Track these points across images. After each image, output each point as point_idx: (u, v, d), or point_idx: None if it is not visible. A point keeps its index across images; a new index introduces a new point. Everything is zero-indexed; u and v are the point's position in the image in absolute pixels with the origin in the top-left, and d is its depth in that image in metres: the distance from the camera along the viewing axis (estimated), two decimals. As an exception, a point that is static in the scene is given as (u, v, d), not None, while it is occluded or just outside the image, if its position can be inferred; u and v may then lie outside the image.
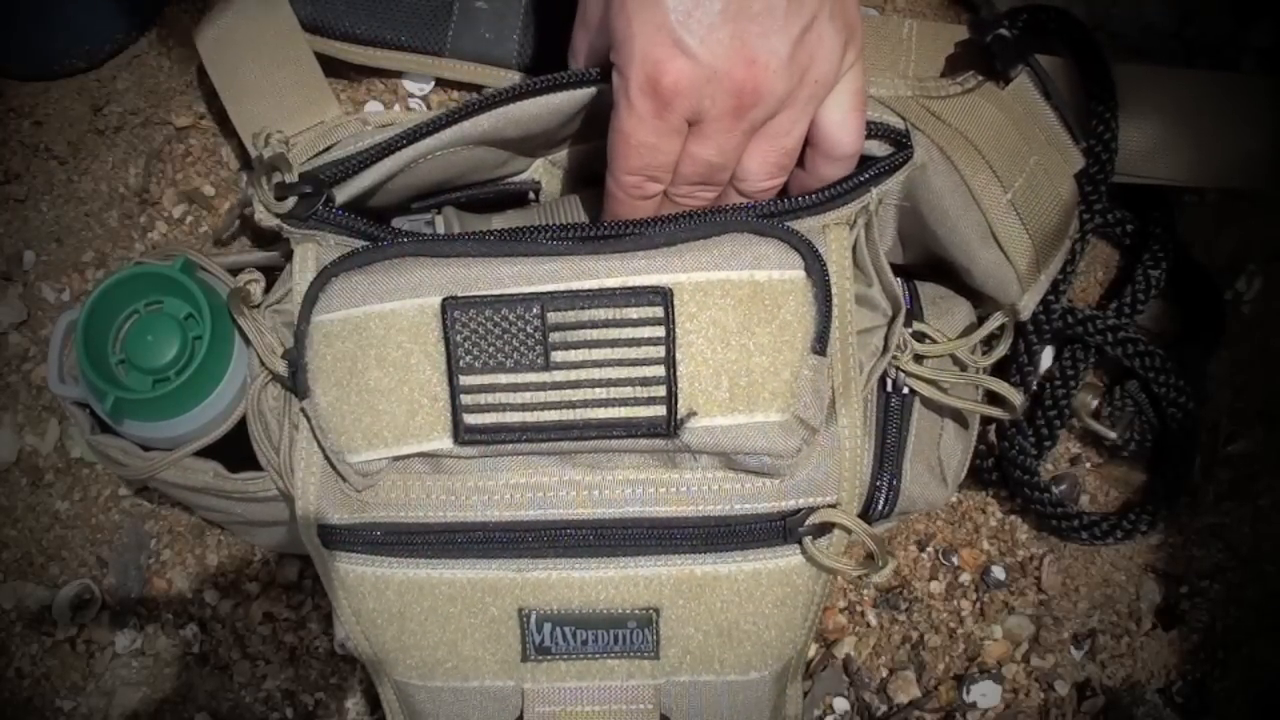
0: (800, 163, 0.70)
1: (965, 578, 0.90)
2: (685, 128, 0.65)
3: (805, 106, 0.66)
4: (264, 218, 0.69)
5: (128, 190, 0.94)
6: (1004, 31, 0.76)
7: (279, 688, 0.91)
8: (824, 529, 0.68)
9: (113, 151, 0.94)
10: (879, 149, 0.72)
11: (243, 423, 0.71)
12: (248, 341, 0.69)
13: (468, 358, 0.65)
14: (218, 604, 0.92)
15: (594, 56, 0.70)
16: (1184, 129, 0.81)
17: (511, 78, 0.87)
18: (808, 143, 0.69)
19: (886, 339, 0.71)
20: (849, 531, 0.69)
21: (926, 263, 0.78)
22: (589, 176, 0.75)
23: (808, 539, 0.68)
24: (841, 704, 0.90)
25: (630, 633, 0.70)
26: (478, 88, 0.89)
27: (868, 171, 0.70)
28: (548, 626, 0.70)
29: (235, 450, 0.72)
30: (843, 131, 0.68)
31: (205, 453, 0.72)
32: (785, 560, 0.69)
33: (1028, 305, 0.76)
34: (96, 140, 0.94)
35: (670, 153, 0.66)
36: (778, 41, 0.62)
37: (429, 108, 0.92)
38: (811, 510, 0.68)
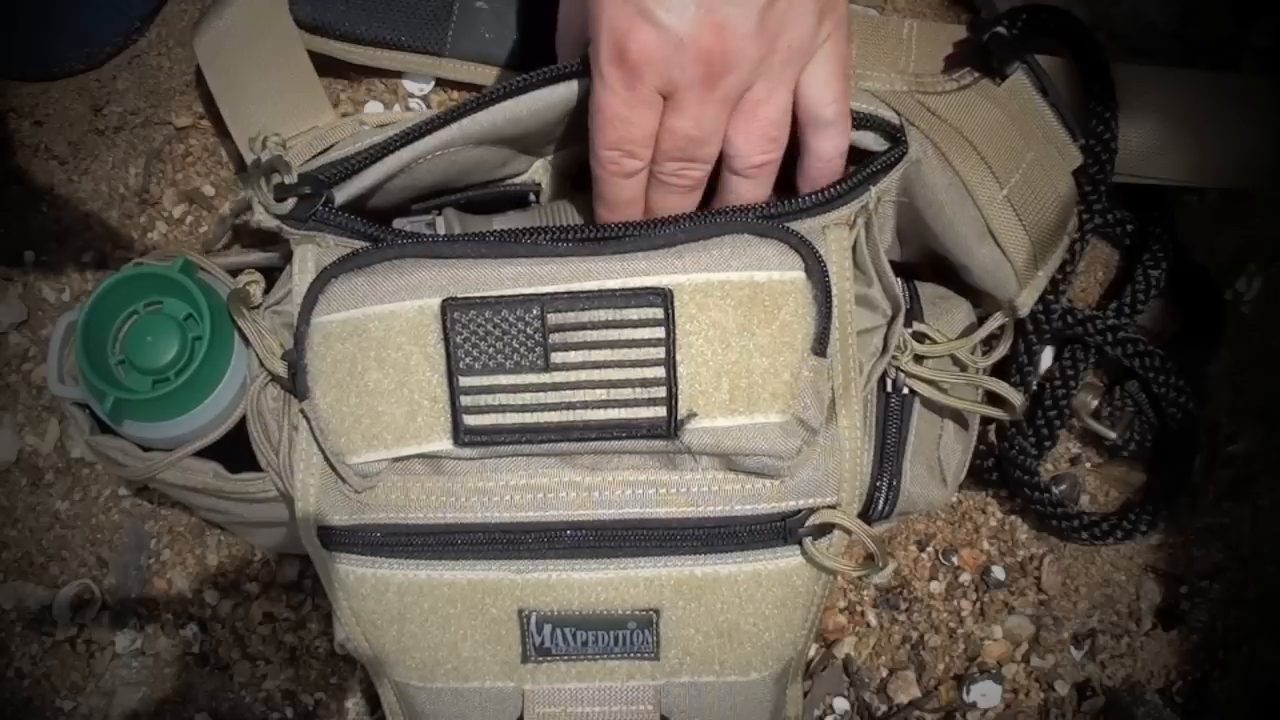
0: (795, 144, 0.70)
1: (965, 578, 0.90)
2: (659, 100, 0.65)
3: (781, 74, 0.66)
4: (263, 219, 0.69)
5: (128, 190, 0.94)
6: (1001, 29, 0.76)
7: (279, 688, 0.91)
8: (824, 530, 0.68)
9: (113, 151, 0.94)
10: (875, 144, 0.72)
11: (242, 423, 0.71)
12: (247, 343, 0.69)
13: (467, 359, 0.65)
14: (218, 604, 0.92)
15: (572, 43, 0.70)
16: (1184, 129, 0.81)
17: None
18: (797, 119, 0.69)
19: (886, 339, 0.71)
20: (849, 532, 0.68)
21: (925, 260, 0.78)
22: (590, 178, 0.75)
23: (808, 540, 0.68)
24: (841, 704, 0.90)
25: (630, 634, 0.70)
26: (478, 88, 0.89)
27: (866, 169, 0.69)
28: (548, 627, 0.70)
29: (235, 451, 0.71)
30: (824, 95, 0.68)
31: (205, 453, 0.72)
32: (785, 561, 0.69)
33: (1026, 302, 0.76)
34: (96, 140, 0.94)
35: (644, 125, 0.66)
36: (746, 7, 0.62)
37: (429, 108, 0.92)
38: (811, 511, 0.68)
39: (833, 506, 0.68)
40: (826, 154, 0.70)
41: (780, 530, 0.68)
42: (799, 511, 0.68)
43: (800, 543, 0.68)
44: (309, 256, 0.69)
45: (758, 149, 0.68)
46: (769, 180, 0.70)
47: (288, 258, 0.71)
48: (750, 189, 0.69)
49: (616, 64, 0.63)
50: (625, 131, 0.66)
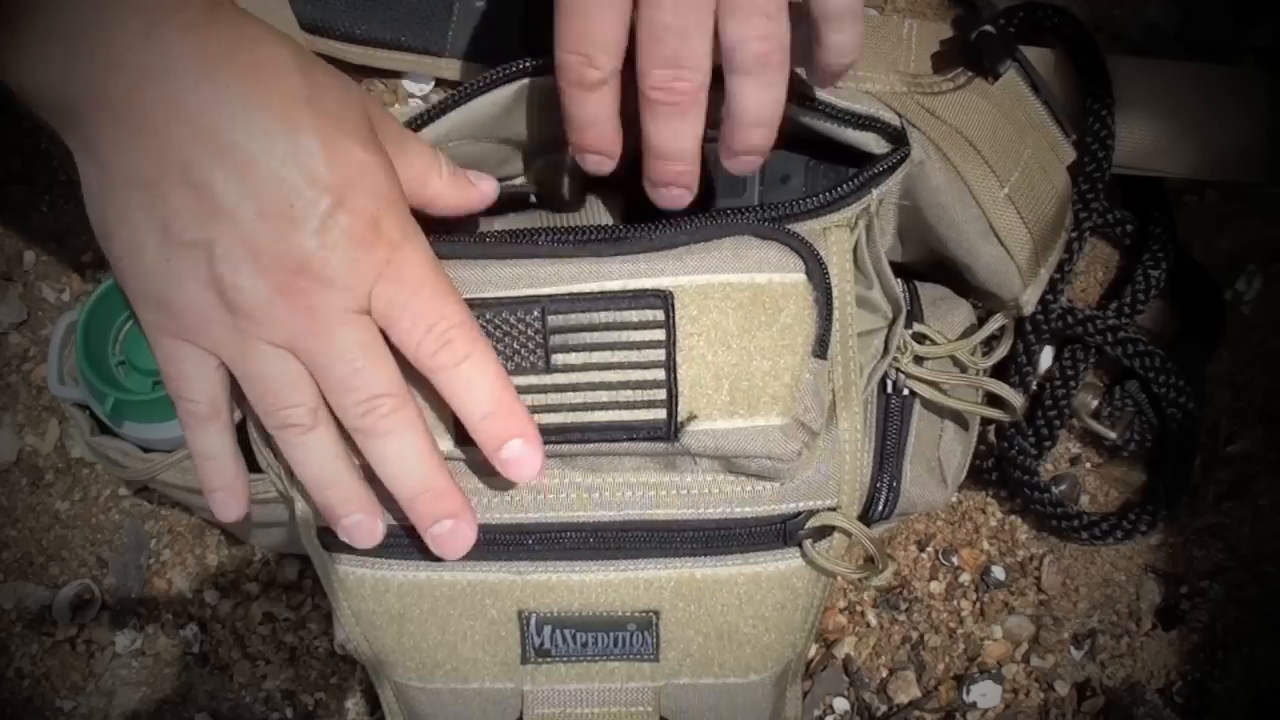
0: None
1: (965, 578, 0.90)
2: (625, 2, 0.60)
3: None
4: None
5: (127, 190, 0.94)
6: (989, 28, 0.76)
7: (279, 688, 0.91)
8: (824, 532, 0.68)
9: (112, 151, 0.94)
10: (877, 146, 0.72)
11: (243, 424, 0.71)
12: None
13: None
14: (218, 604, 0.92)
15: None
16: (1181, 122, 0.82)
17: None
18: (807, 18, 0.63)
19: (887, 341, 0.71)
20: (849, 535, 0.68)
21: (926, 260, 0.78)
22: (591, 180, 0.75)
23: (808, 542, 0.68)
24: (841, 704, 0.90)
25: (630, 635, 0.70)
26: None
27: (868, 172, 0.69)
28: (548, 629, 0.70)
29: (235, 452, 0.71)
30: None
31: (205, 454, 0.72)
32: (785, 563, 0.69)
33: (1030, 300, 0.76)
34: (96, 140, 0.94)
35: (606, 23, 0.60)
36: None
37: (428, 108, 0.92)
38: (811, 513, 0.68)
39: (833, 509, 0.68)
40: (843, 47, 0.63)
41: (780, 532, 0.68)
42: (799, 514, 0.68)
43: (800, 545, 0.68)
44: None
45: (755, 31, 0.60)
46: (779, 77, 0.62)
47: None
48: (758, 90, 0.62)
49: None
50: (583, 27, 0.61)
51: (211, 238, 0.58)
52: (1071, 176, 0.78)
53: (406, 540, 0.68)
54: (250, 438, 0.70)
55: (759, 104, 0.62)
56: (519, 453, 0.63)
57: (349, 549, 0.69)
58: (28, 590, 0.92)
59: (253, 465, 0.71)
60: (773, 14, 0.60)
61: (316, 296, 0.59)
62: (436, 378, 0.62)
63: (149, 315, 0.62)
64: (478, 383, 0.62)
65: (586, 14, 0.60)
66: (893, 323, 0.72)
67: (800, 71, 0.67)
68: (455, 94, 0.71)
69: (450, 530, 0.65)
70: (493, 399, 0.62)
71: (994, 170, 0.72)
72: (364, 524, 0.65)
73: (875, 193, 0.69)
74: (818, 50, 0.64)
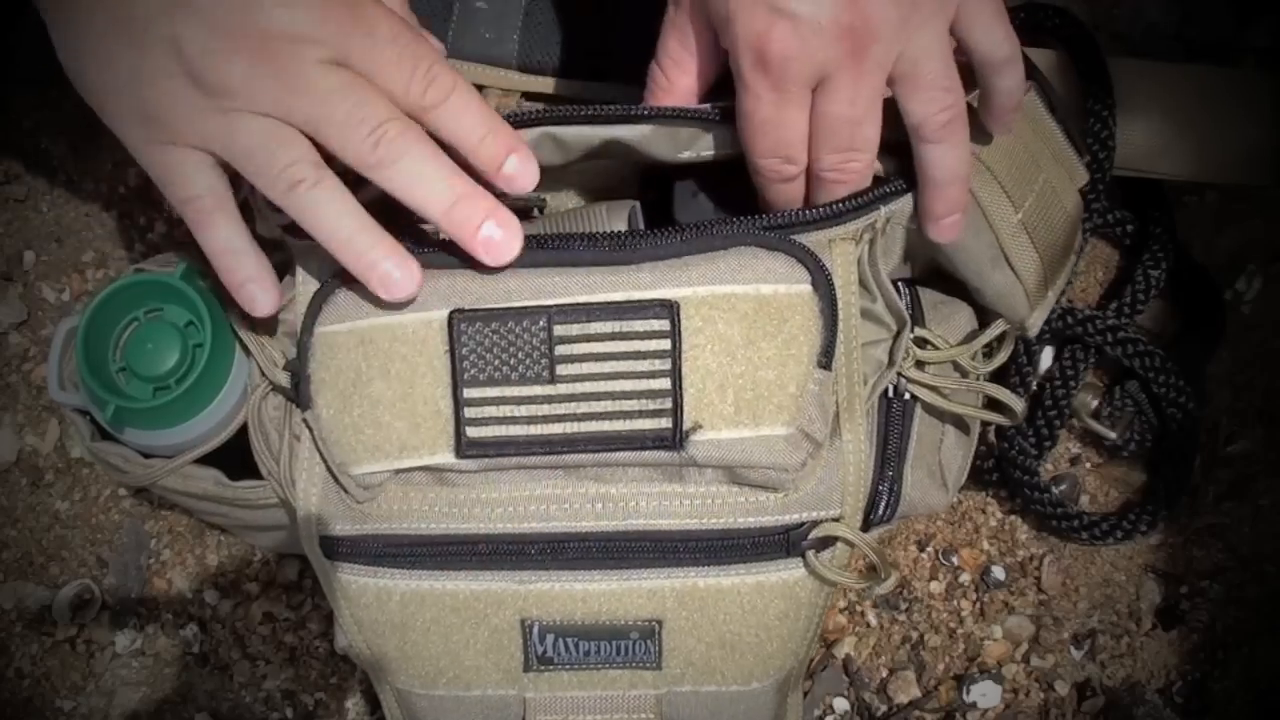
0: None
1: (965, 578, 0.90)
2: (809, 98, 0.63)
3: (931, 25, 0.62)
4: (264, 229, 0.69)
5: (128, 190, 0.94)
6: None
7: (279, 688, 0.91)
8: (827, 542, 0.68)
9: (113, 151, 0.94)
10: (893, 166, 0.71)
11: (244, 429, 0.71)
12: (248, 352, 0.69)
13: (473, 370, 0.64)
14: (218, 604, 0.92)
15: (700, 49, 0.69)
16: (1184, 124, 0.81)
17: (511, 77, 0.87)
18: (971, 65, 0.66)
19: (892, 353, 0.71)
20: (852, 545, 0.68)
21: (934, 276, 0.77)
22: (595, 191, 0.75)
23: (811, 552, 0.68)
24: (841, 704, 0.90)
25: (633, 644, 0.70)
26: (478, 88, 0.88)
27: (881, 189, 0.68)
28: (550, 637, 0.70)
29: (236, 456, 0.71)
30: (992, 40, 0.64)
31: (206, 460, 0.71)
32: (788, 573, 0.69)
33: (1036, 323, 0.76)
34: (96, 140, 0.94)
35: (797, 126, 0.64)
36: None
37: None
38: (815, 524, 0.68)
39: (836, 519, 0.68)
40: (1011, 88, 0.66)
41: (783, 543, 0.68)
42: (802, 524, 0.68)
43: (803, 555, 0.68)
44: (312, 264, 0.69)
45: (938, 105, 0.64)
46: (964, 135, 0.66)
47: (292, 265, 0.70)
48: (949, 152, 0.66)
49: (760, 69, 0.62)
50: (779, 135, 0.65)
51: (176, 29, 0.60)
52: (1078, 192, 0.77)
53: (409, 550, 0.68)
54: (252, 447, 0.70)
55: (953, 163, 0.66)
56: (516, 168, 0.65)
57: (351, 558, 0.69)
58: (28, 590, 0.92)
59: (253, 472, 0.71)
60: (950, 85, 0.64)
61: (290, 55, 0.61)
62: (429, 116, 0.64)
63: (135, 133, 0.63)
64: (466, 109, 0.65)
65: (778, 124, 0.64)
66: (897, 335, 0.71)
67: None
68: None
69: (496, 230, 0.64)
70: (485, 121, 0.65)
71: (1009, 195, 0.71)
72: (396, 269, 0.64)
73: (884, 210, 0.68)
74: (987, 96, 0.67)
